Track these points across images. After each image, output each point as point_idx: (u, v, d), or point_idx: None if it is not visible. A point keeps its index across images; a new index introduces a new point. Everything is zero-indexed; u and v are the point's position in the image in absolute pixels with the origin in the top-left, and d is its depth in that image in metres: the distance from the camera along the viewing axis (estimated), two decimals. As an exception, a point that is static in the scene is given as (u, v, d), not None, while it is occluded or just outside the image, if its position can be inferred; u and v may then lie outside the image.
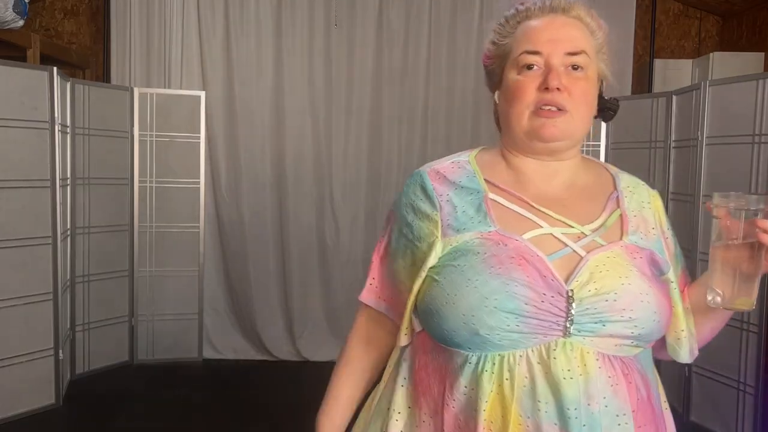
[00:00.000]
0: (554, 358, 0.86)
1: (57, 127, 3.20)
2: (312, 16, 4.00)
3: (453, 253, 0.92)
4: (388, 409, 1.00)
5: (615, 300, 0.87)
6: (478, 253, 0.90)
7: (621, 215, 0.97)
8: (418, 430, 0.96)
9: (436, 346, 0.94)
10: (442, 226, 0.95)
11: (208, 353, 4.11)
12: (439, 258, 0.93)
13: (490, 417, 0.87)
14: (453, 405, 0.91)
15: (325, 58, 4.02)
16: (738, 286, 0.91)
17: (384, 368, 1.08)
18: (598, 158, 3.77)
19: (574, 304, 0.86)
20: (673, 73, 4.28)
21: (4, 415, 3.06)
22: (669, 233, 1.03)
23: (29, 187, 3.11)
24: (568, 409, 0.84)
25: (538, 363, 0.86)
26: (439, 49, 4.01)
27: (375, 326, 1.08)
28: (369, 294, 1.06)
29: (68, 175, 3.49)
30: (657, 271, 0.95)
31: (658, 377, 1.01)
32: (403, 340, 0.99)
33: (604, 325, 0.87)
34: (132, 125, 3.86)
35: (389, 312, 1.04)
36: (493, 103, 1.03)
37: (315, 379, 3.63)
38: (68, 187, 3.50)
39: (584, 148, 3.86)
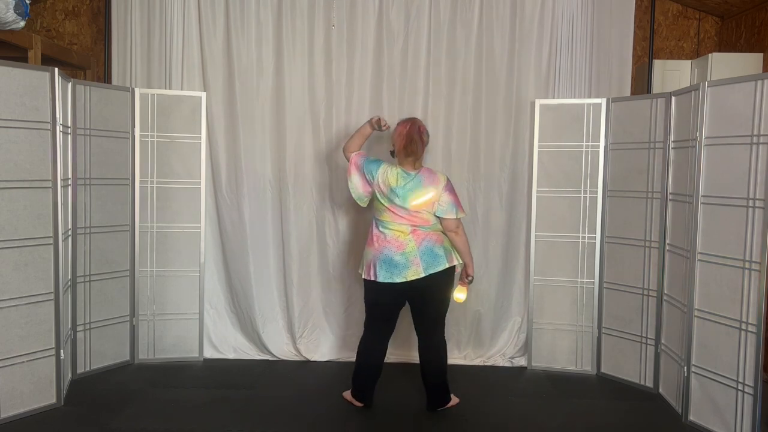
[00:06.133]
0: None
1: (58, 128, 3.21)
2: (312, 17, 4.01)
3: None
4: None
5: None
6: None
7: None
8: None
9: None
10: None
11: (209, 353, 4.13)
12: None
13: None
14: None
15: (325, 58, 4.03)
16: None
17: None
18: (597, 158, 3.80)
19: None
20: (672, 73, 4.30)
21: (5, 415, 3.08)
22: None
23: (30, 188, 3.12)
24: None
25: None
26: (439, 49, 4.01)
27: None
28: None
29: (69, 175, 3.50)
30: None
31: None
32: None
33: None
34: (133, 126, 3.87)
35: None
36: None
37: (315, 378, 3.66)
38: (69, 188, 3.51)
39: (585, 149, 3.89)
